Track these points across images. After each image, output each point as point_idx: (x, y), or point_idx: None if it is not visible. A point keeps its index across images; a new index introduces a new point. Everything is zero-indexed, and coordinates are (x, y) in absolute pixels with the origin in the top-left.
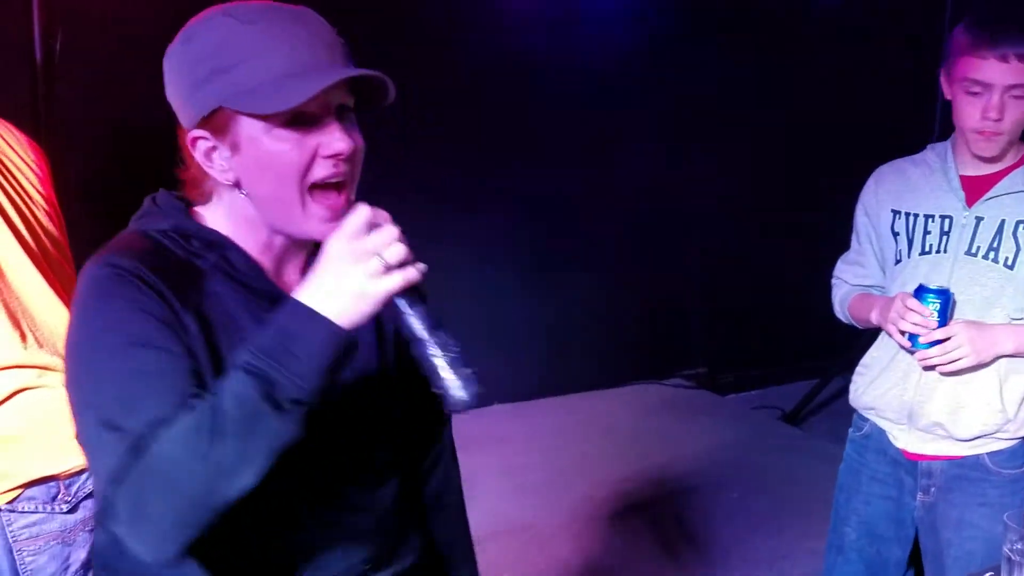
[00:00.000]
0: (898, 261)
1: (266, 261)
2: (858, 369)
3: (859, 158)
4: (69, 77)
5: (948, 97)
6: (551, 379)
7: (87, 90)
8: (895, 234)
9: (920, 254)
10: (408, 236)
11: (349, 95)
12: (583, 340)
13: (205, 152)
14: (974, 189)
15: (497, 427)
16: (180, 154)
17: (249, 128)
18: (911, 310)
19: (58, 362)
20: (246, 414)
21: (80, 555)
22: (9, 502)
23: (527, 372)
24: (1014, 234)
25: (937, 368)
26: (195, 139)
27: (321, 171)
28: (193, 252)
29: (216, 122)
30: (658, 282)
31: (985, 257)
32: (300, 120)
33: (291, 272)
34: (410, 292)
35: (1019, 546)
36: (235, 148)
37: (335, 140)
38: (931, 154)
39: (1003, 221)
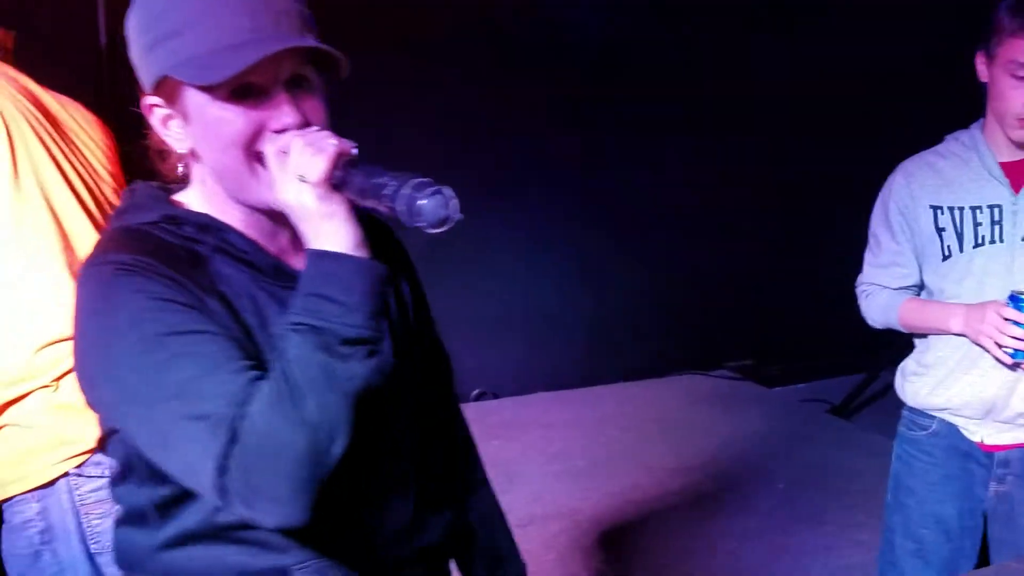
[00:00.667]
0: (946, 257)
1: (258, 237)
2: (916, 369)
3: (900, 147)
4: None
5: (984, 79)
6: (595, 368)
7: None
8: (940, 230)
9: (974, 247)
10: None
11: (306, 65)
12: (628, 330)
13: (162, 120)
14: (1015, 174)
15: (541, 414)
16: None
17: (195, 98)
18: (1011, 321)
19: None
20: (312, 371)
21: None
22: (77, 467)
23: (572, 360)
24: None
25: None
26: (151, 106)
27: (266, 144)
28: (189, 238)
29: (165, 90)
30: (705, 273)
31: None
32: (246, 92)
33: (283, 241)
34: (347, 171)
35: None
36: (186, 117)
37: (282, 115)
38: (957, 144)
39: None
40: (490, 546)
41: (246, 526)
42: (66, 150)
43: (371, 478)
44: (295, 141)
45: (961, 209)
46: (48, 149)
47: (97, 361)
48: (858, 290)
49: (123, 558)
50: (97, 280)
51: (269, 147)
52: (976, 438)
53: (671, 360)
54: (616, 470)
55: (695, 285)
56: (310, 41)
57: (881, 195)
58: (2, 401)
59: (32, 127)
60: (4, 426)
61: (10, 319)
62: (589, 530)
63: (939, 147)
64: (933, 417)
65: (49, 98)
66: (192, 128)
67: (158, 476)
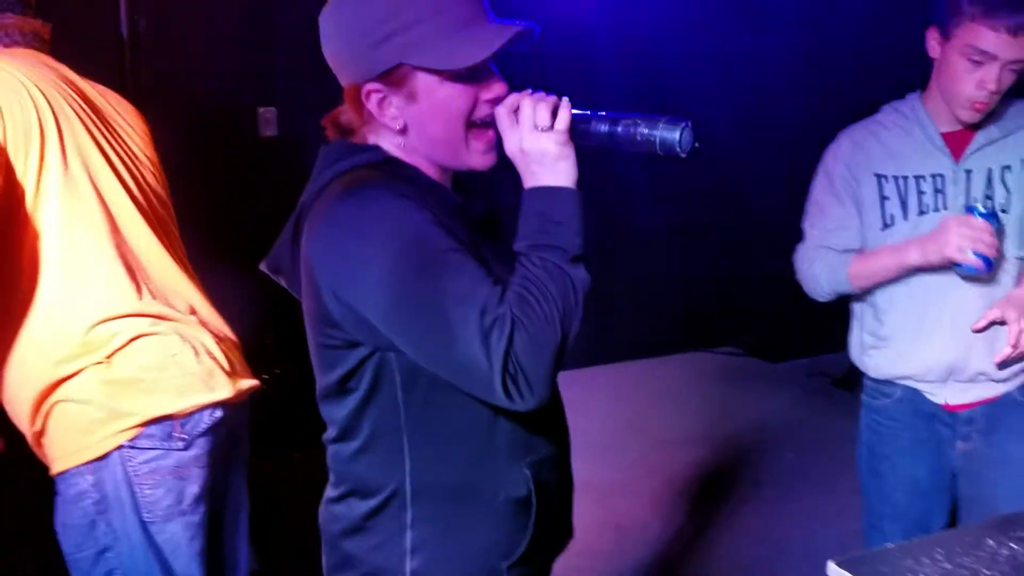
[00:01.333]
0: (887, 226)
1: (442, 183)
2: (874, 343)
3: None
4: (152, 53)
5: (934, 56)
6: (604, 347)
7: (170, 66)
8: (884, 198)
9: (918, 215)
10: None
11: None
12: (635, 309)
13: (378, 102)
14: (956, 144)
15: None
16: (341, 102)
17: (426, 81)
18: (978, 229)
19: (169, 311)
20: (557, 277)
21: (193, 489)
22: (130, 440)
23: (581, 339)
24: (1002, 180)
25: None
26: (369, 92)
27: (481, 112)
28: (411, 178)
29: (394, 77)
30: (711, 253)
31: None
32: (470, 73)
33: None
34: (581, 118)
35: None
36: (411, 98)
37: (495, 86)
38: (897, 115)
39: (990, 170)
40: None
41: (492, 433)
42: (109, 137)
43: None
44: (524, 100)
45: (905, 178)
46: (93, 137)
47: (371, 281)
48: (798, 262)
49: (370, 484)
50: (363, 204)
51: (500, 110)
52: (940, 400)
53: (677, 339)
54: (626, 444)
55: (701, 265)
56: (523, 24)
57: (824, 163)
58: (57, 377)
59: (78, 116)
60: (59, 402)
61: (64, 300)
62: (600, 500)
63: (879, 116)
64: (896, 385)
65: (89, 87)
66: (417, 106)
67: (410, 395)
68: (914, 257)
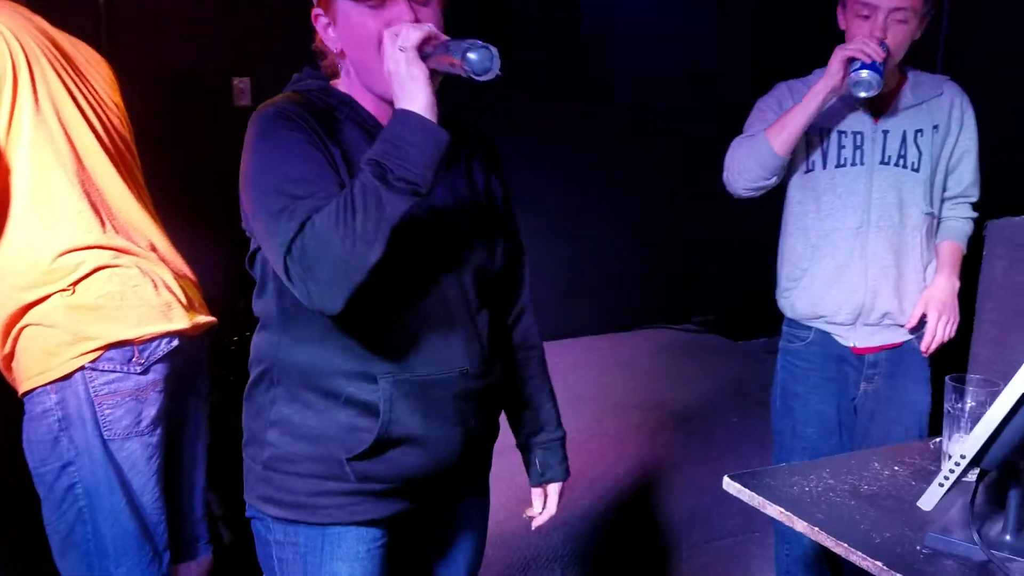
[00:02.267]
0: (808, 171)
1: (380, 118)
2: (787, 285)
3: None
4: (128, 23)
5: (843, 27)
6: (568, 321)
7: (145, 35)
8: (808, 144)
9: (836, 166)
10: None
11: None
12: (600, 285)
13: (323, 27)
14: (876, 106)
15: None
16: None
17: (342, 6)
18: (869, 38)
19: (131, 246)
20: (367, 193)
21: (150, 412)
22: (92, 362)
23: (544, 314)
24: (915, 142)
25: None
26: (316, 15)
27: None
28: (332, 106)
29: (324, 2)
30: (673, 231)
31: (896, 164)
32: (378, 1)
33: None
34: (434, 47)
35: (957, 403)
36: (334, 22)
37: (402, 15)
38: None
39: (904, 132)
40: (535, 413)
41: (346, 337)
42: (79, 83)
43: (440, 314)
44: (403, 26)
45: (829, 131)
46: (64, 82)
47: (243, 178)
48: (726, 159)
49: (257, 356)
50: (265, 118)
51: (385, 33)
52: (848, 343)
53: (640, 314)
54: (583, 408)
55: (664, 242)
56: None
57: (757, 104)
58: (25, 302)
59: (50, 62)
60: (28, 325)
61: (30, 231)
62: None
63: (810, 77)
64: (810, 328)
65: (61, 36)
66: (338, 31)
67: (283, 288)
68: (820, 88)
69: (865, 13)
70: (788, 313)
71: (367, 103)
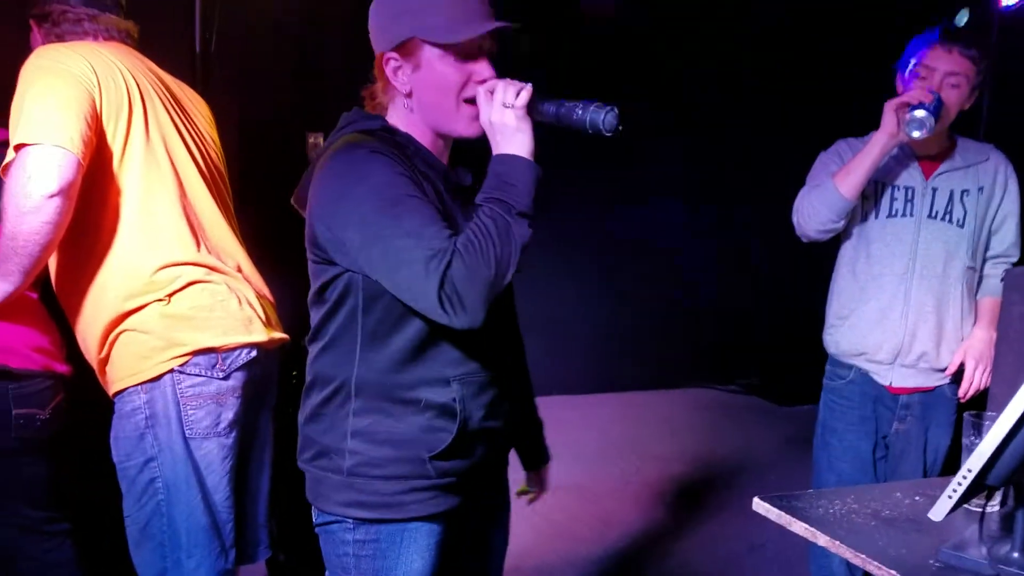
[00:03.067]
0: (863, 220)
1: (434, 152)
2: (833, 322)
3: None
4: (219, 69)
5: (900, 92)
6: (608, 376)
7: (232, 84)
8: (864, 197)
9: (887, 216)
10: None
11: (494, 41)
12: (642, 342)
13: (393, 70)
14: (926, 167)
15: (555, 411)
16: (371, 73)
17: (430, 54)
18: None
19: (220, 264)
20: (500, 226)
21: (228, 415)
22: (180, 365)
23: (587, 368)
24: (961, 200)
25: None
26: (388, 58)
27: (471, 91)
28: (400, 144)
29: (406, 47)
30: (719, 293)
31: (943, 219)
32: (463, 53)
33: (444, 159)
34: (536, 101)
35: (975, 438)
36: (417, 67)
37: (483, 69)
38: None
39: (952, 190)
40: (533, 440)
41: (424, 349)
42: (183, 118)
43: (487, 321)
44: (499, 83)
45: (884, 185)
46: (171, 116)
47: (347, 214)
48: (795, 207)
49: (325, 376)
50: (352, 157)
51: (480, 89)
52: (885, 381)
53: (682, 374)
54: (620, 458)
55: (709, 304)
56: (507, 23)
57: (820, 158)
58: (125, 310)
59: (160, 98)
60: (125, 331)
61: (136, 246)
62: (594, 501)
63: (867, 137)
64: (851, 367)
65: (168, 77)
66: (419, 75)
67: (366, 311)
68: (879, 136)
69: (923, 74)
70: (832, 350)
71: (423, 139)
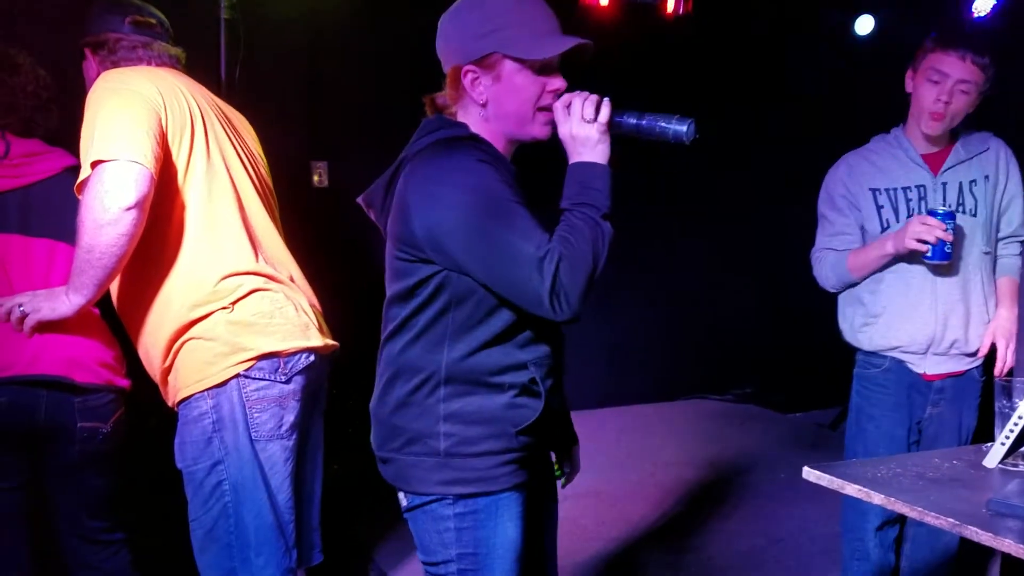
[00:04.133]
0: (885, 228)
1: (507, 154)
2: (866, 320)
3: None
4: (242, 95)
5: (909, 91)
6: (611, 392)
7: (252, 107)
8: (879, 207)
9: (907, 217)
10: None
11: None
12: (641, 357)
13: (471, 81)
14: (932, 163)
15: None
16: (443, 83)
17: (510, 67)
18: (932, 225)
19: (277, 274)
20: (591, 227)
21: (290, 418)
22: (246, 370)
23: (589, 384)
24: (971, 191)
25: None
26: (467, 71)
27: (545, 100)
28: (486, 150)
29: (487, 62)
30: (713, 305)
31: (959, 212)
32: (538, 66)
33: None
34: (616, 114)
35: (1006, 402)
36: (497, 79)
37: (557, 81)
38: (883, 143)
39: (960, 183)
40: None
41: (505, 339)
42: (236, 137)
43: (558, 331)
44: (575, 98)
45: (895, 190)
46: (228, 135)
47: (452, 216)
48: (812, 258)
49: (413, 366)
50: (453, 162)
51: (557, 104)
52: (920, 370)
53: (679, 386)
54: (634, 464)
55: (703, 317)
56: (585, 39)
57: (826, 183)
58: (192, 318)
59: (218, 118)
60: (191, 339)
61: (200, 257)
62: (612, 504)
63: (870, 145)
64: (885, 357)
65: (220, 100)
66: (499, 86)
67: (457, 307)
68: (889, 247)
69: (936, 79)
70: (866, 346)
71: (498, 144)
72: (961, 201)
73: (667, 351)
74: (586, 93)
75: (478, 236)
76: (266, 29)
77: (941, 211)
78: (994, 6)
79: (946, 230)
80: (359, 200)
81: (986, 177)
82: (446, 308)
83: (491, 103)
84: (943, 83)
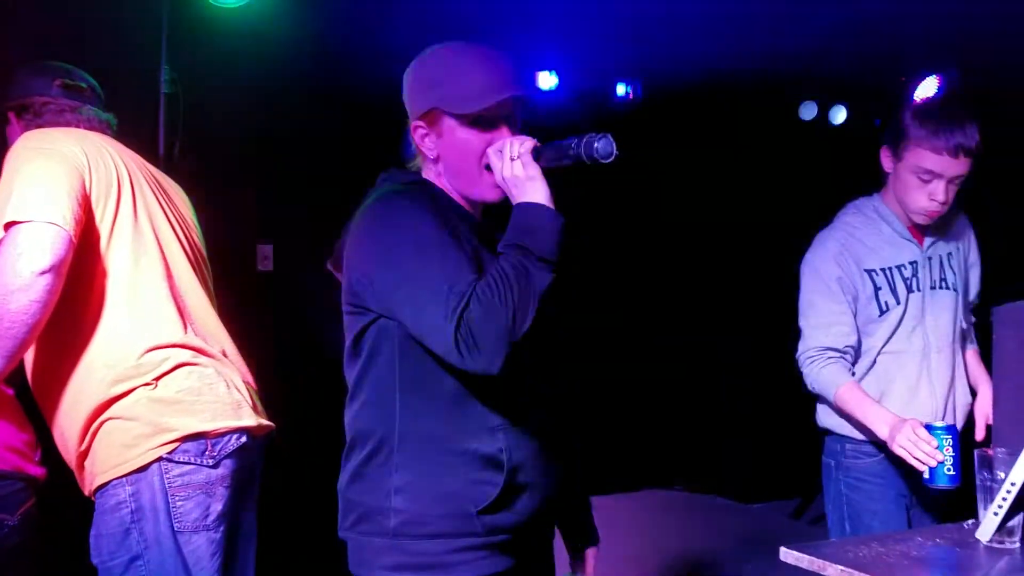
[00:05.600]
0: (883, 312)
1: (466, 208)
2: None
3: None
4: (183, 172)
5: (888, 170)
6: None
7: (195, 185)
8: (878, 289)
9: (905, 295)
10: None
11: (517, 108)
12: (599, 448)
13: (420, 137)
14: (915, 234)
15: None
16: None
17: (450, 123)
18: (924, 440)
19: (207, 347)
20: (519, 271)
21: (217, 507)
22: (169, 452)
23: None
24: (949, 264)
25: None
26: (416, 127)
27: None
28: (435, 196)
29: (430, 117)
30: (656, 397)
31: (941, 287)
32: (481, 122)
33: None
34: (538, 148)
35: (987, 474)
36: (440, 135)
37: (503, 137)
38: (862, 216)
39: (941, 256)
40: (578, 515)
41: (467, 398)
42: (168, 203)
43: (541, 396)
44: (505, 140)
45: (890, 269)
46: (158, 200)
47: (381, 257)
48: (801, 358)
49: (365, 431)
50: (388, 206)
51: (490, 150)
52: None
53: (625, 478)
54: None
55: (646, 409)
56: (522, 90)
57: (812, 264)
58: (111, 396)
59: (147, 182)
60: (109, 419)
61: (122, 328)
62: None
63: (847, 218)
64: (877, 444)
65: (151, 165)
66: (443, 142)
67: (404, 361)
68: (883, 433)
69: (925, 178)
70: (858, 436)
71: (457, 197)
72: (943, 276)
73: (627, 440)
74: (523, 137)
75: (400, 275)
76: (210, 104)
77: (940, 426)
78: (937, 90)
79: (938, 447)
80: (328, 265)
81: (958, 248)
82: (392, 363)
83: (441, 159)
84: (936, 182)
